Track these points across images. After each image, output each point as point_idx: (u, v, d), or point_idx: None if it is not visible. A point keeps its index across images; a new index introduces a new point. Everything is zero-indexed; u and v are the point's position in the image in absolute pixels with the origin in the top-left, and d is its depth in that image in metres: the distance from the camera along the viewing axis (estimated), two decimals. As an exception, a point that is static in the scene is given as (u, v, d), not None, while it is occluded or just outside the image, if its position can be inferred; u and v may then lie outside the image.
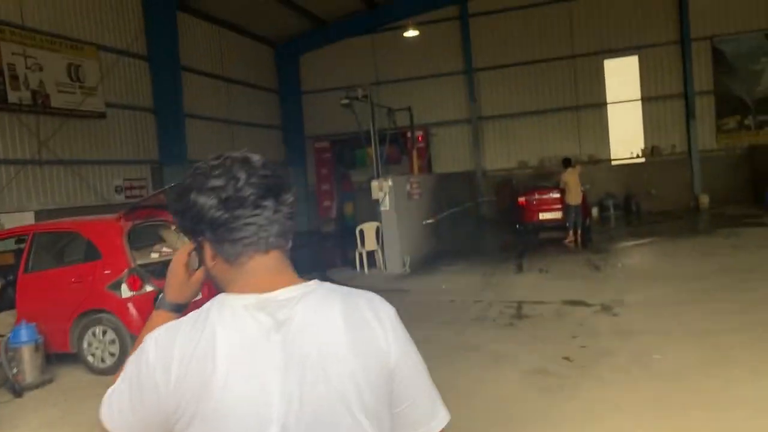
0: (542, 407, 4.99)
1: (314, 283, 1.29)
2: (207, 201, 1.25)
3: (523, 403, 5.12)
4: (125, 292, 6.90)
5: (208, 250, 1.30)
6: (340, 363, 1.20)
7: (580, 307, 8.48)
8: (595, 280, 10.48)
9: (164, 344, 1.22)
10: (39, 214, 12.29)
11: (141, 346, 1.25)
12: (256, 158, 1.30)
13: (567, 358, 6.19)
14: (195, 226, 1.29)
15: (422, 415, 1.30)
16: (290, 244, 1.33)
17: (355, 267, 13.11)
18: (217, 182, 1.25)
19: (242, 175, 1.25)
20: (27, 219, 11.87)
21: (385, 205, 12.50)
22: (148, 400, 1.21)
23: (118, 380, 1.28)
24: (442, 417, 1.33)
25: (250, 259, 1.27)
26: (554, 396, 5.20)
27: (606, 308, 8.23)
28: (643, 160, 21.84)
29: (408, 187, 13.51)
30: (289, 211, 1.30)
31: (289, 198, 1.30)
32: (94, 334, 7.09)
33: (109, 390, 1.30)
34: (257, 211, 1.25)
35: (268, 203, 1.26)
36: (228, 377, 1.17)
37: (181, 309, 1.47)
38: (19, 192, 12.68)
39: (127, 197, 15.10)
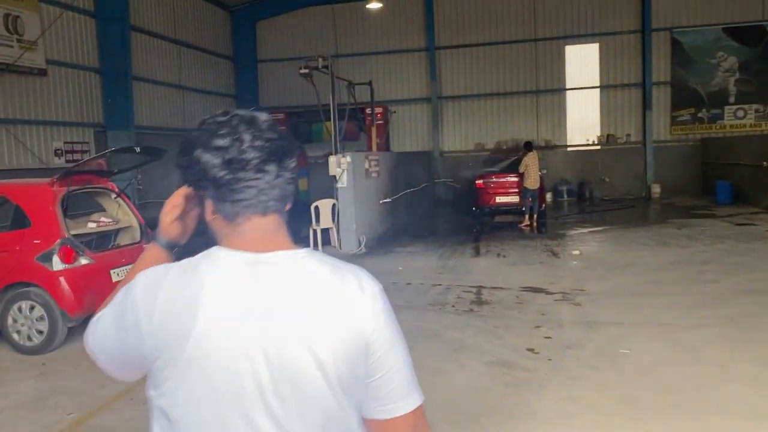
0: (510, 403, 4.69)
1: (305, 251, 1.31)
2: (211, 159, 1.25)
3: (488, 399, 4.81)
4: (57, 264, 6.26)
5: (209, 205, 1.31)
6: (319, 329, 1.21)
7: (540, 294, 8.28)
8: (553, 266, 10.31)
9: (152, 285, 1.25)
10: (-33, 176, 11.34)
11: (131, 282, 1.28)
12: (263, 119, 1.30)
13: (531, 350, 5.94)
14: (198, 182, 1.30)
15: (394, 392, 1.28)
16: (290, 206, 1.34)
17: (309, 244, 12.65)
18: (221, 142, 1.24)
19: (247, 137, 1.25)
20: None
21: (343, 182, 12.07)
22: (129, 336, 1.25)
23: (107, 308, 1.32)
24: (415, 399, 1.31)
25: (248, 221, 1.28)
26: (522, 391, 4.91)
27: (567, 297, 8.04)
28: (598, 147, 21.95)
29: (366, 164, 13.08)
30: (290, 176, 1.31)
31: (291, 163, 1.31)
32: (20, 310, 6.45)
33: (96, 315, 1.35)
34: (259, 175, 1.25)
35: (271, 168, 1.26)
36: (209, 327, 1.19)
37: (173, 248, 1.49)
38: (-55, 151, 11.72)
39: (67, 161, 14.21)
